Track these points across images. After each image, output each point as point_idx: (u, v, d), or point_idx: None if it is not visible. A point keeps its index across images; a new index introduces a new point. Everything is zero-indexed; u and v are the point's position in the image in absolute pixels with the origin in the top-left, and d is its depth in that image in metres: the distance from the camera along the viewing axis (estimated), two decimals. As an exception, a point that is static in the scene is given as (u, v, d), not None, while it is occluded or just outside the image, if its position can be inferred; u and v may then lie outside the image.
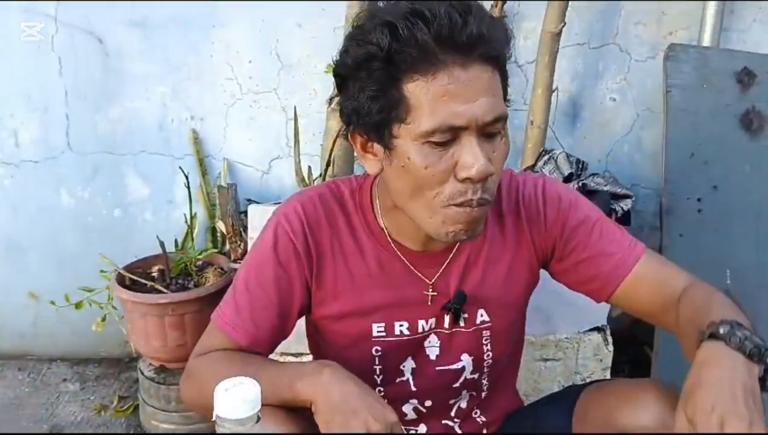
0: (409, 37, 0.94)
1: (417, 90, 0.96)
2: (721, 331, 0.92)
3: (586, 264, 1.16)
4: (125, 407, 2.21)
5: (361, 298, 1.15)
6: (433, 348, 1.19)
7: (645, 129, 2.29)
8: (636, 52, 2.23)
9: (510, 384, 1.35)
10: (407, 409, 1.22)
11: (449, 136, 0.97)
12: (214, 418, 0.61)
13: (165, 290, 2.01)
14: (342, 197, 1.17)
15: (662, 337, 1.90)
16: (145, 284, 2.03)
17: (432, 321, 1.17)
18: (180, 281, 2.09)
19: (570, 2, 2.03)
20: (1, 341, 2.49)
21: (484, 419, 1.28)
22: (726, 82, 2.03)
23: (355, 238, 1.15)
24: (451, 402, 1.24)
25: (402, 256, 1.15)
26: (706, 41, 2.14)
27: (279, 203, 1.27)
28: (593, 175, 1.99)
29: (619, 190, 1.95)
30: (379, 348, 1.17)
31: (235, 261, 2.15)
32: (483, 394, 1.26)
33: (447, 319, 1.17)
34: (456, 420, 1.25)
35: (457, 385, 1.22)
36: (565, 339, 1.89)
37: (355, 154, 1.11)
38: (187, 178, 2.23)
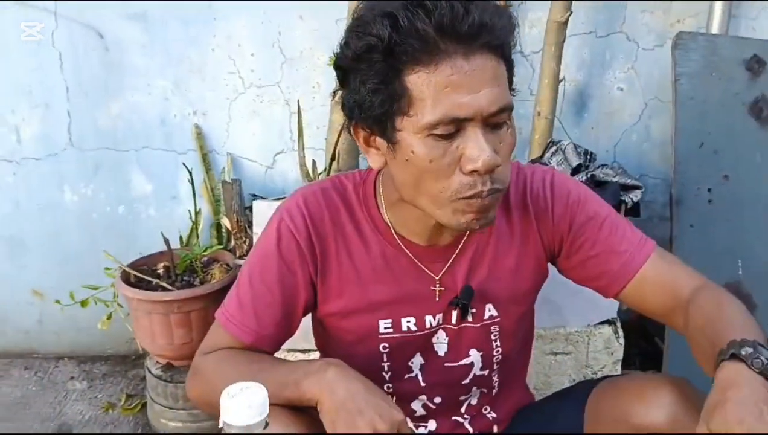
0: (409, 27, 0.92)
1: (419, 82, 0.94)
2: (743, 353, 0.90)
3: (594, 261, 1.14)
4: (133, 405, 2.20)
5: (367, 294, 1.13)
6: (441, 344, 1.18)
7: (653, 118, 2.26)
8: (643, 41, 2.20)
9: (520, 379, 1.34)
10: (416, 405, 1.21)
11: (453, 128, 0.95)
12: (221, 425, 0.59)
13: (170, 287, 1.99)
14: (345, 192, 1.15)
15: (673, 331, 1.87)
16: (151, 282, 2.02)
17: (439, 316, 1.16)
18: (185, 278, 2.07)
19: (576, -9, 2.01)
20: (6, 339, 2.48)
21: (494, 416, 1.26)
22: (735, 70, 2.00)
23: (359, 233, 1.14)
24: (461, 399, 1.23)
25: (408, 251, 1.13)
26: (715, 29, 2.11)
27: (284, 198, 1.25)
28: (602, 166, 1.96)
29: (628, 181, 1.93)
30: (386, 344, 1.16)
31: (240, 257, 2.14)
32: (494, 391, 1.24)
33: (455, 314, 1.15)
34: (466, 417, 1.24)
35: (467, 381, 1.20)
36: (575, 332, 1.87)
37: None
38: (190, 173, 2.22)
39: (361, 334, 1.15)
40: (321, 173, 2.09)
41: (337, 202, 1.14)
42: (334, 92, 1.09)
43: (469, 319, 1.16)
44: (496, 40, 0.96)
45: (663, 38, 2.18)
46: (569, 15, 2.00)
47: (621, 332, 1.88)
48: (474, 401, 1.24)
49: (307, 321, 1.22)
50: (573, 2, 2.00)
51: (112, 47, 2.21)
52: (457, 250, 1.14)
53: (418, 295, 1.14)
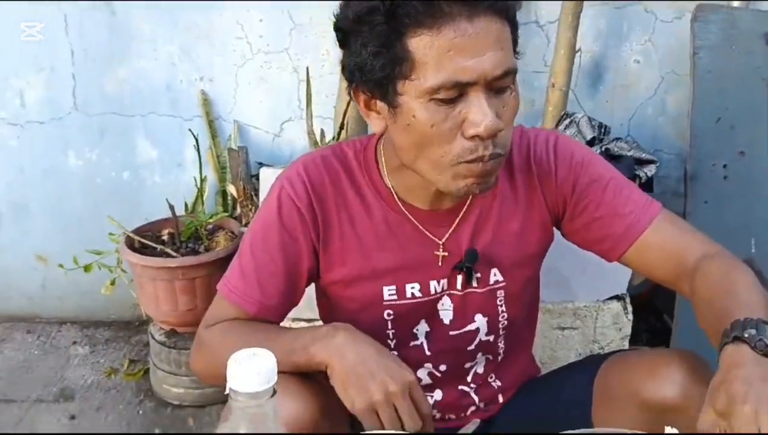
0: None
1: (421, 45, 0.92)
2: (746, 335, 0.88)
3: (599, 223, 1.12)
4: (135, 371, 2.20)
5: (370, 261, 1.12)
6: (446, 311, 1.16)
7: (669, 92, 2.21)
8: (662, 13, 2.14)
9: (526, 349, 1.32)
10: (422, 374, 1.19)
11: (456, 92, 0.93)
12: (227, 391, 0.57)
13: (175, 254, 1.98)
14: (346, 158, 1.14)
15: (682, 307, 1.86)
16: (155, 248, 2.00)
17: (444, 282, 1.14)
18: (190, 245, 2.05)
19: (595, -42, 1.95)
20: (9, 303, 2.47)
21: (499, 384, 1.25)
22: (755, 43, 1.95)
23: (361, 199, 1.12)
24: (467, 366, 1.21)
25: (410, 216, 1.11)
26: (736, 2, 2.05)
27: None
28: (616, 139, 1.92)
29: (643, 155, 1.89)
30: (391, 311, 1.14)
31: (246, 225, 2.12)
32: (499, 358, 1.22)
33: (459, 279, 1.13)
34: (472, 386, 1.22)
35: (472, 347, 1.18)
36: (583, 307, 1.85)
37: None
38: (196, 140, 2.18)
39: (365, 302, 1.14)
40: (329, 142, 2.05)
41: (338, 168, 1.12)
42: (344, 60, 1.07)
43: (474, 284, 1.14)
44: (500, 2, 0.93)
45: (682, 10, 2.12)
46: (587, -17, 1.95)
47: (630, 308, 1.86)
48: (480, 369, 1.22)
49: (312, 290, 1.21)
50: (591, -30, 1.95)
51: (119, 11, 2.17)
52: (461, 215, 1.12)
53: (421, 261, 1.12)
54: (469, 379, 1.22)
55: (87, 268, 2.06)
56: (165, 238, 2.06)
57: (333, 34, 1.03)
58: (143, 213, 2.24)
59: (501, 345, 1.21)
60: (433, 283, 1.13)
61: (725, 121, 1.93)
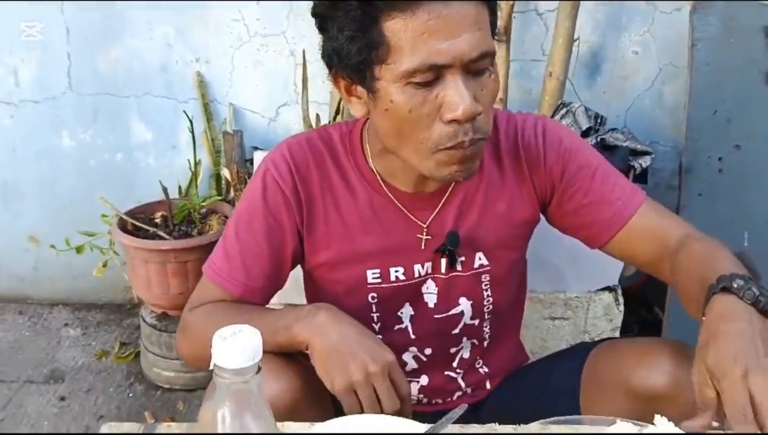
0: None
1: (396, 28, 0.91)
2: (735, 285, 0.88)
3: (587, 210, 1.13)
4: (126, 354, 2.19)
5: (354, 244, 1.12)
6: (431, 295, 1.16)
7: (667, 84, 2.20)
8: (662, 4, 2.13)
9: (513, 335, 1.32)
10: (407, 358, 1.19)
11: (432, 75, 0.93)
12: (211, 367, 0.56)
13: (167, 237, 1.97)
14: (331, 142, 1.13)
15: (674, 300, 1.86)
16: (148, 230, 1.99)
17: (428, 265, 1.14)
18: (183, 228, 2.04)
19: (595, -53, 1.94)
20: (0, 284, 2.46)
21: (486, 370, 1.25)
22: (754, 37, 1.94)
23: (346, 182, 1.12)
24: (452, 351, 1.21)
25: (395, 199, 1.11)
26: (735, -7, 2.04)
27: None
28: (612, 130, 1.92)
29: (638, 146, 1.89)
30: (375, 295, 1.14)
31: (239, 209, 2.11)
32: (485, 343, 1.22)
33: (443, 263, 1.13)
34: (459, 371, 1.22)
35: (457, 331, 1.18)
36: (575, 298, 1.85)
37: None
38: (191, 122, 2.17)
39: (350, 285, 1.14)
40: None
41: (323, 151, 1.12)
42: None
43: (459, 268, 1.14)
44: None
45: (682, 2, 2.11)
46: (586, -28, 1.93)
47: (621, 299, 1.86)
48: (466, 354, 1.22)
49: (300, 275, 1.21)
50: (591, -41, 1.94)
51: (114, -10, 2.15)
52: (445, 197, 1.12)
53: (405, 244, 1.12)
54: (455, 364, 1.22)
55: (79, 250, 2.05)
56: (158, 220, 2.05)
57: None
58: (137, 195, 2.23)
59: (487, 330, 1.21)
60: (417, 267, 1.13)
61: (722, 113, 1.92)
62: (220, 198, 2.18)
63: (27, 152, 2.32)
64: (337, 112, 2.00)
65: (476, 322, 1.19)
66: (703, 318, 0.90)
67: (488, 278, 1.16)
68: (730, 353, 0.82)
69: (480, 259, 1.15)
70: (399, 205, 1.11)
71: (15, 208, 2.38)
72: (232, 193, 2.17)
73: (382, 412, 0.94)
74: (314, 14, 1.01)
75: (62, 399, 1.99)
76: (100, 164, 2.33)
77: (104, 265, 2.08)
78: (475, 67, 0.94)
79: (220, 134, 2.23)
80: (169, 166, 2.31)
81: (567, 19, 1.98)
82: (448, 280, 1.15)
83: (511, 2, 1.95)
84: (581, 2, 1.98)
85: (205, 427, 0.56)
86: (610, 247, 1.14)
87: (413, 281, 1.14)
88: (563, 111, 1.95)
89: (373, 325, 1.16)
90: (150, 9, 2.16)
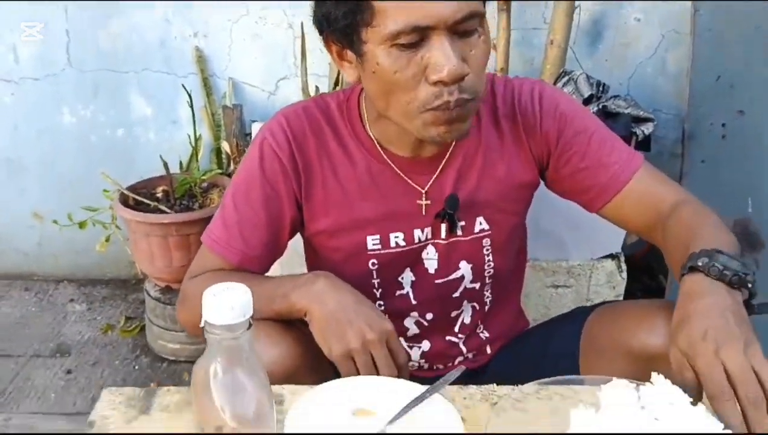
0: None
1: None
2: (700, 263, 0.89)
3: (583, 174, 1.12)
4: (132, 327, 2.21)
5: (353, 211, 1.12)
6: (431, 261, 1.16)
7: (670, 51, 2.18)
8: (664, -31, 2.11)
9: (514, 299, 1.32)
10: (409, 323, 1.20)
11: (416, 37, 0.93)
12: (202, 324, 0.57)
13: (169, 211, 1.97)
14: (328, 109, 1.13)
15: (677, 268, 1.85)
16: (149, 205, 1.99)
17: (428, 231, 1.14)
18: (184, 202, 2.05)
19: None
20: (5, 261, 2.48)
21: (487, 335, 1.25)
22: (756, 2, 1.91)
23: (344, 150, 1.12)
24: (453, 315, 1.21)
25: (393, 165, 1.11)
26: (739, -42, 2.01)
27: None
28: (614, 97, 1.90)
29: (640, 113, 1.87)
30: (375, 261, 1.14)
31: (240, 183, 2.10)
32: (486, 308, 1.23)
33: (443, 228, 1.13)
34: (460, 336, 1.23)
35: (457, 295, 1.18)
36: (577, 265, 1.84)
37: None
38: (190, 96, 2.16)
39: (350, 252, 1.14)
40: (324, 99, 2.03)
41: (320, 119, 1.12)
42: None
43: (459, 232, 1.14)
44: None
45: (684, -33, 2.08)
46: (587, -63, 1.91)
47: (624, 266, 1.86)
48: (467, 319, 1.22)
49: (301, 247, 1.21)
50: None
51: (112, -36, 2.14)
52: (444, 162, 1.12)
53: (404, 210, 1.12)
54: (456, 329, 1.22)
55: (82, 225, 2.05)
56: (159, 195, 2.06)
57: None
58: (138, 171, 2.23)
59: (487, 294, 1.22)
60: (416, 232, 1.13)
61: (725, 79, 1.91)
62: (220, 172, 2.18)
63: (29, 129, 2.33)
64: (336, 84, 1.98)
65: (477, 285, 1.19)
66: None
67: (489, 243, 1.16)
68: (700, 331, 0.82)
69: (481, 223, 1.15)
70: (397, 170, 1.11)
71: (19, 185, 2.39)
72: (232, 167, 2.18)
73: None
74: None
75: (68, 372, 2.01)
76: (101, 140, 2.33)
77: (107, 240, 2.08)
78: (462, 28, 0.94)
79: (220, 108, 2.23)
80: (169, 141, 2.31)
81: (568, -14, 1.96)
82: (448, 246, 1.15)
83: (510, -31, 1.93)
84: (582, -32, 1.96)
85: (199, 383, 0.56)
86: (607, 212, 1.14)
87: (413, 247, 1.14)
88: (565, 79, 1.93)
89: (374, 291, 1.16)
90: (147, -18, 2.15)
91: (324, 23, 0.99)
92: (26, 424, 1.77)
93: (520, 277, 1.32)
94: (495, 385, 0.93)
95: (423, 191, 1.12)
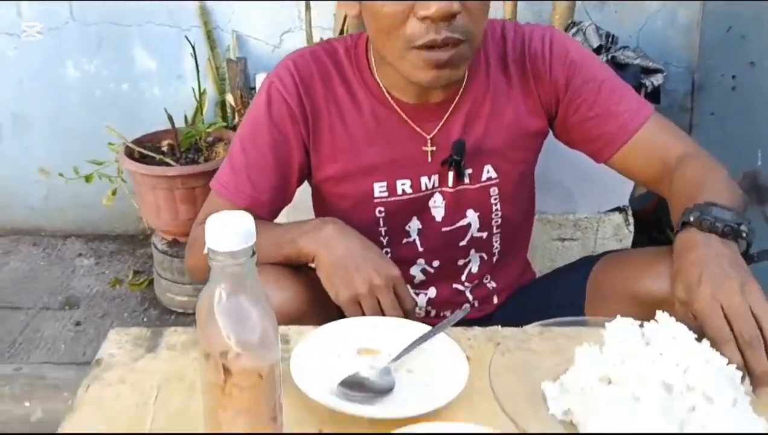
0: None
1: None
2: (691, 218, 0.89)
3: (593, 122, 1.11)
4: (140, 281, 2.23)
5: (360, 157, 1.11)
6: (438, 209, 1.15)
7: (680, 3, 2.14)
8: None
9: (522, 251, 1.31)
10: (415, 271, 1.20)
11: None
12: (205, 251, 0.57)
13: (174, 164, 1.97)
14: (336, 54, 1.12)
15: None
16: (154, 158, 1.99)
17: (435, 178, 1.13)
18: (190, 156, 2.04)
19: None
20: (13, 216, 2.49)
21: (494, 285, 1.25)
22: (771, -51, 1.88)
23: (351, 95, 1.11)
24: (460, 263, 1.21)
25: (399, 110, 1.10)
26: None
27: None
28: (623, 48, 1.87)
29: (650, 64, 1.84)
30: (382, 208, 1.14)
31: (245, 136, 2.09)
32: (494, 259, 1.22)
33: (451, 176, 1.12)
34: (467, 284, 1.23)
35: (464, 243, 1.18)
36: (584, 218, 1.84)
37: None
38: (193, 48, 2.14)
39: (357, 199, 1.14)
40: (329, 51, 2.01)
41: (328, 64, 1.11)
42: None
43: (466, 180, 1.13)
44: None
45: None
46: None
47: (631, 220, 1.85)
48: (474, 269, 1.22)
49: (310, 201, 1.20)
50: None
51: None
52: (451, 108, 1.11)
53: (411, 156, 1.11)
54: (463, 277, 1.22)
55: (88, 178, 2.05)
56: (164, 149, 2.05)
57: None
58: (143, 126, 2.22)
59: (496, 245, 1.21)
60: (423, 179, 1.13)
61: (736, 30, 1.88)
62: (224, 124, 2.17)
63: (33, 84, 2.32)
64: (341, 35, 1.96)
65: (484, 234, 1.18)
66: None
67: (497, 191, 1.16)
68: (695, 278, 0.82)
69: (488, 171, 1.14)
70: (404, 116, 1.10)
71: (24, 140, 2.39)
72: (237, 119, 2.16)
73: None
74: None
75: (77, 324, 2.04)
76: (105, 95, 2.32)
77: (113, 193, 2.09)
78: None
79: (224, 62, 2.21)
80: (174, 95, 2.29)
81: (577, -66, 1.92)
82: (455, 193, 1.14)
83: None
84: None
85: (204, 310, 0.57)
86: (615, 161, 1.12)
87: (420, 194, 1.14)
88: (573, 30, 1.90)
89: (381, 239, 1.16)
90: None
91: None
92: (36, 373, 1.80)
93: (528, 229, 1.31)
94: (499, 326, 0.94)
95: (428, 137, 1.11)
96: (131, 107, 2.32)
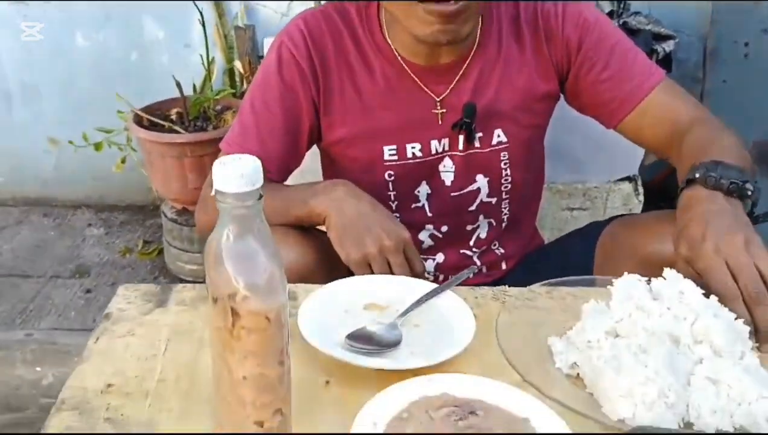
0: None
1: None
2: (697, 175, 0.88)
3: (605, 85, 1.10)
4: (150, 250, 2.24)
5: (371, 119, 1.11)
6: (447, 173, 1.15)
7: (694, -31, 2.11)
8: None
9: (531, 218, 1.31)
10: (423, 236, 1.20)
11: None
12: (212, 193, 0.57)
13: (183, 132, 1.97)
14: (348, 15, 1.12)
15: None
16: (163, 126, 1.99)
17: (445, 142, 1.13)
18: (198, 124, 2.04)
19: None
20: (23, 186, 2.50)
21: (502, 251, 1.25)
22: None
23: (362, 55, 1.10)
24: (469, 229, 1.20)
25: (410, 72, 1.10)
26: None
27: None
28: (635, 14, 1.85)
29: (661, 30, 1.82)
30: (392, 172, 1.13)
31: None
32: (503, 225, 1.22)
33: (461, 139, 1.12)
34: (475, 250, 1.22)
35: (473, 208, 1.18)
36: (594, 188, 1.83)
37: None
38: (201, 14, 2.12)
39: (366, 162, 1.13)
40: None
41: (339, 24, 1.11)
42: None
43: (477, 144, 1.13)
44: None
45: None
46: None
47: (641, 190, 1.84)
48: (483, 234, 1.22)
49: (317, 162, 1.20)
50: None
51: None
52: (462, 71, 1.10)
53: (421, 119, 1.11)
54: (471, 243, 1.22)
55: (98, 147, 2.06)
56: (173, 117, 2.05)
57: None
58: (152, 95, 2.21)
59: (505, 211, 1.21)
60: (434, 143, 1.12)
61: (750, -4, 1.85)
62: (233, 91, 2.17)
63: (42, 53, 2.31)
64: None
65: (494, 200, 1.18)
66: None
67: (507, 156, 1.15)
68: (698, 234, 0.81)
69: (499, 136, 1.14)
70: (414, 78, 1.10)
71: (34, 110, 2.39)
72: (245, 87, 2.16)
73: None
74: None
75: (88, 291, 2.05)
76: (114, 64, 2.31)
77: (123, 161, 2.09)
78: None
79: (232, 30, 2.20)
80: (182, 63, 2.28)
81: None
82: (465, 157, 1.14)
83: None
84: None
85: (211, 253, 0.57)
86: (625, 126, 1.12)
87: (430, 158, 1.13)
88: (584, -4, 1.88)
89: (390, 203, 1.16)
90: None
91: None
92: (47, 339, 1.82)
93: (537, 196, 1.31)
94: (506, 286, 0.94)
95: (438, 100, 1.11)
96: (140, 76, 2.31)
